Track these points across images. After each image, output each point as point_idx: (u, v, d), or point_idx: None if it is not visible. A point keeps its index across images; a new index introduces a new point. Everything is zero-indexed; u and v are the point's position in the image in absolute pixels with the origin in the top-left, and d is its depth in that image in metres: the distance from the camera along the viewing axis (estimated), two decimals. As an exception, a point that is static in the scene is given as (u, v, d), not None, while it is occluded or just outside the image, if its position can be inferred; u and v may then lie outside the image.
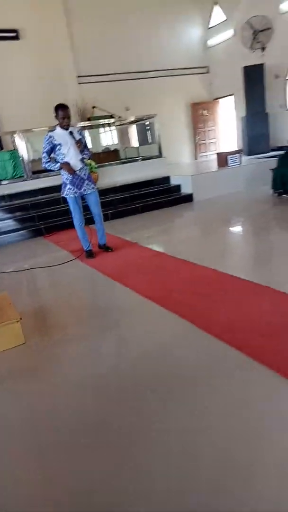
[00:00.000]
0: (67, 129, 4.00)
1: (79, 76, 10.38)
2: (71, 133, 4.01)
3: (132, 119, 9.65)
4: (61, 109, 3.91)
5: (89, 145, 4.41)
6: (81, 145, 4.06)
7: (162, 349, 2.35)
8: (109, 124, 9.90)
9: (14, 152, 7.87)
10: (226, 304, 2.77)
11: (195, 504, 1.32)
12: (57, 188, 6.72)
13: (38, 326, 2.95)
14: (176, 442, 1.61)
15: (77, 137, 4.05)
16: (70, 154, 4.02)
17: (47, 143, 4.01)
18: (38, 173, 7.54)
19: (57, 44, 9.98)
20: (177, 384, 1.98)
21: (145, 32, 10.83)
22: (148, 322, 2.75)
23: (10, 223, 6.14)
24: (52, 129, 4.15)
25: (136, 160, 8.45)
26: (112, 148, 10.04)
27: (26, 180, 7.18)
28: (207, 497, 1.34)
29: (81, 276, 3.96)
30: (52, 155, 4.09)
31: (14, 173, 7.78)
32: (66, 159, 4.03)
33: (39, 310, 3.22)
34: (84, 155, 4.14)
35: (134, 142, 10.23)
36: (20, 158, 7.38)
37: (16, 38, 9.58)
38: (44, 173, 7.63)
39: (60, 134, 3.99)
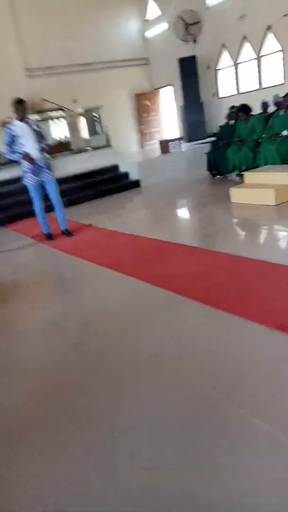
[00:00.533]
0: (24, 121, 4.43)
1: (27, 69, 10.62)
2: (29, 125, 4.46)
3: (80, 111, 10.10)
4: (20, 103, 4.37)
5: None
6: (39, 135, 4.50)
7: (113, 297, 3.04)
8: (58, 117, 10.30)
9: None
10: (163, 263, 3.49)
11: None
12: (17, 180, 7.19)
13: (8, 294, 3.50)
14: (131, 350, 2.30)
15: (35, 128, 4.51)
16: (29, 145, 4.45)
17: (8, 135, 4.42)
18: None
19: (3, 38, 10.14)
20: (127, 317, 2.67)
21: (88, 24, 11.21)
22: (101, 282, 3.42)
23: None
24: (9, 122, 4.58)
25: (86, 151, 8.98)
26: (63, 140, 10.45)
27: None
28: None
29: (43, 255, 4.55)
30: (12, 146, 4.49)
31: None
32: (25, 150, 4.44)
33: (9, 282, 3.77)
34: (41, 145, 4.57)
35: (84, 133, 10.68)
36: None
37: None
38: (2, 166, 7.99)
39: (19, 126, 4.41)
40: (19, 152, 4.49)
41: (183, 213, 5.62)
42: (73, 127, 10.91)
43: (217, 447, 1.46)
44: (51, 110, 10.25)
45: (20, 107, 4.40)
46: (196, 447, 1.48)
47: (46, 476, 1.49)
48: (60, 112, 10.28)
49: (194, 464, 1.41)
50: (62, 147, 9.48)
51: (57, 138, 10.12)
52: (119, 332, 2.47)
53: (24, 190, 6.70)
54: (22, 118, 4.45)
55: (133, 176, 7.80)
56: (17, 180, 7.14)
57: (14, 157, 4.54)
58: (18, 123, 4.46)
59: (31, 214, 6.24)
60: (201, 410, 1.67)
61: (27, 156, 4.46)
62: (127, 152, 11.67)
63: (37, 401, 1.96)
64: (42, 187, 4.77)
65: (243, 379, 1.80)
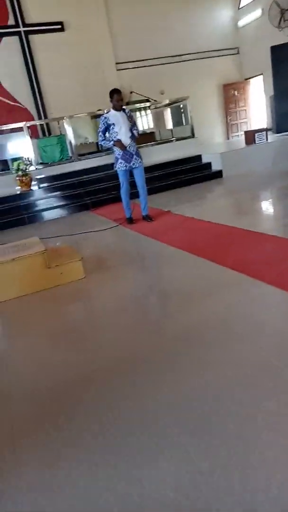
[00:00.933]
0: (120, 110, 4.81)
1: (117, 63, 11.15)
2: (123, 113, 4.82)
3: (166, 102, 10.33)
4: (116, 93, 4.75)
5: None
6: (132, 123, 4.86)
7: (189, 277, 3.19)
8: (145, 108, 10.64)
9: (61, 137, 8.84)
10: (238, 248, 3.54)
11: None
12: (101, 168, 7.72)
13: (94, 268, 3.85)
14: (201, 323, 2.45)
15: (128, 117, 4.85)
16: (122, 133, 4.81)
17: (103, 124, 4.82)
18: (82, 155, 8.53)
19: (98, 34, 10.78)
20: (201, 293, 2.81)
21: (179, 16, 11.37)
22: (178, 263, 3.58)
23: (60, 200, 7.12)
24: (107, 111, 4.97)
25: (170, 141, 9.18)
26: (148, 131, 10.78)
27: (73, 161, 8.14)
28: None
29: (124, 236, 4.86)
30: (106, 134, 4.90)
31: (61, 156, 8.76)
32: (118, 137, 4.82)
33: (93, 259, 4.12)
34: (134, 132, 4.90)
35: (169, 124, 10.91)
36: (68, 142, 8.32)
37: (61, 30, 10.47)
38: (88, 155, 8.61)
39: (114, 115, 4.80)
40: (112, 140, 4.85)
41: (264, 203, 5.53)
42: (159, 118, 11.21)
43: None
44: (139, 102, 10.63)
45: (116, 96, 4.75)
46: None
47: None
48: (147, 104, 10.60)
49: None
50: (147, 138, 9.81)
51: (143, 129, 10.48)
52: (190, 308, 2.62)
53: (108, 178, 7.26)
54: (117, 107, 4.80)
55: (216, 166, 7.81)
56: (103, 168, 7.69)
57: (108, 144, 4.91)
58: (113, 112, 4.83)
59: (113, 200, 6.73)
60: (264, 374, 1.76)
61: (119, 143, 4.80)
62: (212, 142, 11.64)
63: (108, 370, 2.21)
64: (130, 173, 5.09)
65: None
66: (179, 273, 3.33)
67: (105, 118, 4.83)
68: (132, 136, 4.91)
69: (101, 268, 3.77)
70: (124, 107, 4.92)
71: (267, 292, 2.61)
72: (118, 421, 1.64)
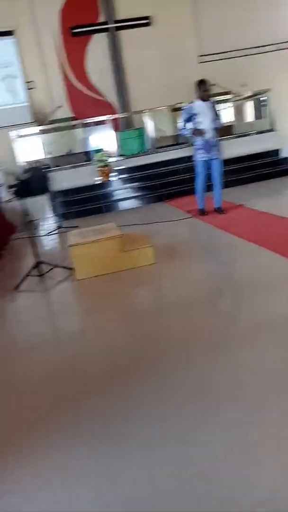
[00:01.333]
0: (206, 100, 4.99)
1: (199, 55, 11.23)
2: (208, 104, 4.99)
3: (247, 94, 10.19)
4: (203, 83, 4.95)
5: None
6: (215, 115, 5.02)
7: (258, 269, 3.34)
8: (225, 100, 10.61)
9: (140, 130, 9.24)
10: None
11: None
12: (177, 161, 7.97)
13: (164, 255, 4.13)
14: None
15: (213, 108, 5.02)
16: (205, 123, 4.98)
17: (187, 113, 5.03)
18: (160, 148, 8.85)
19: (183, 28, 10.94)
20: (269, 284, 2.96)
21: (265, 6, 11.07)
22: (248, 255, 3.74)
23: (136, 190, 7.53)
24: (192, 101, 5.11)
25: (248, 134, 9.10)
26: (227, 124, 10.73)
27: (150, 154, 8.51)
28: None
29: (196, 227, 5.09)
30: (187, 125, 5.06)
31: (140, 149, 9.16)
32: (201, 127, 4.98)
33: (165, 247, 4.41)
34: (216, 123, 5.06)
35: (248, 117, 10.75)
36: (147, 135, 8.69)
37: (147, 24, 10.83)
38: (166, 148, 8.90)
39: (199, 105, 4.98)
40: (191, 128, 5.01)
41: None
42: (239, 111, 11.08)
43: None
44: (220, 94, 10.61)
45: (202, 87, 4.94)
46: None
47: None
48: (228, 96, 10.54)
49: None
50: (225, 131, 9.79)
51: (222, 122, 10.46)
52: (257, 298, 2.80)
53: (183, 170, 7.49)
54: (203, 98, 4.97)
55: (295, 161, 7.63)
56: (179, 160, 7.92)
57: (186, 133, 5.12)
58: (198, 102, 5.01)
59: (187, 192, 6.95)
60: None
61: (198, 131, 4.96)
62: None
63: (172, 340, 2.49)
64: (208, 164, 5.24)
65: None
66: (248, 264, 3.50)
67: (190, 107, 5.01)
68: (215, 128, 5.05)
69: (171, 256, 4.05)
70: (210, 99, 5.08)
71: None
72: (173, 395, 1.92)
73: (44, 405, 1.91)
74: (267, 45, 11.34)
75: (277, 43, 11.35)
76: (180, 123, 5.18)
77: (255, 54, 11.27)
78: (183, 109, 5.16)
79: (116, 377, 2.04)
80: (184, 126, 5.12)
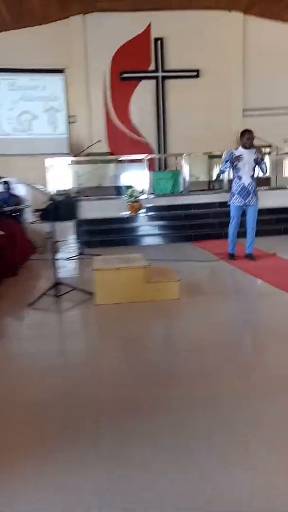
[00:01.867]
0: (248, 148, 5.11)
1: (244, 109, 11.64)
2: (249, 153, 5.10)
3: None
4: (248, 133, 5.15)
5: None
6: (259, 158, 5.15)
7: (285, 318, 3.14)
8: (266, 153, 10.79)
9: (176, 173, 9.42)
10: None
11: None
12: (209, 205, 7.99)
13: (189, 292, 3.98)
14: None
15: (254, 156, 5.12)
16: (244, 170, 5.13)
17: (229, 156, 5.18)
18: (193, 191, 8.95)
19: (231, 81, 11.45)
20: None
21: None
22: (277, 302, 3.54)
23: (164, 228, 7.53)
24: (236, 148, 5.32)
25: (286, 188, 9.12)
26: (265, 176, 10.85)
27: (183, 195, 8.58)
28: None
29: (224, 270, 4.95)
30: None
31: (172, 190, 9.28)
32: (239, 173, 5.14)
33: (190, 285, 4.27)
34: (262, 166, 5.21)
35: (286, 172, 10.85)
36: (182, 178, 8.85)
37: (196, 76, 11.40)
38: (198, 191, 8.99)
39: (240, 152, 5.12)
40: (231, 159, 5.13)
41: None
42: (278, 165, 11.22)
43: None
44: (260, 147, 10.81)
45: (247, 135, 5.13)
46: None
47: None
48: (267, 149, 10.72)
49: None
50: (261, 182, 9.87)
51: (266, 168, 10.60)
52: (277, 347, 2.60)
53: (214, 215, 7.48)
54: (245, 145, 5.11)
55: None
56: (211, 205, 7.95)
57: (226, 167, 5.26)
58: (241, 149, 5.16)
59: (216, 237, 6.90)
60: None
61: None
62: None
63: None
64: (243, 210, 5.30)
65: None
66: (276, 312, 3.29)
67: (232, 153, 5.19)
68: (253, 176, 5.18)
69: (196, 294, 3.90)
70: (252, 147, 5.17)
71: None
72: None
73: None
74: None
75: None
76: (223, 162, 5.26)
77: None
78: (226, 152, 5.28)
79: (108, 407, 1.85)
80: (225, 166, 5.26)
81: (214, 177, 10.26)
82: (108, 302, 3.61)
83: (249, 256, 5.30)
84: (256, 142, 10.07)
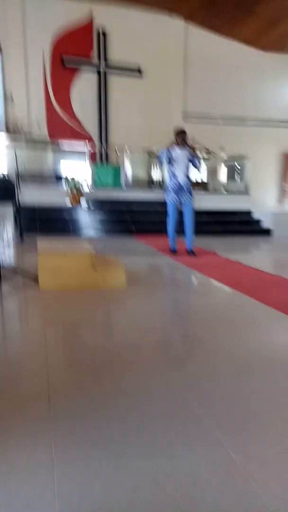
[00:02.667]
0: (182, 147, 5.25)
1: (183, 112, 12.00)
2: (184, 152, 5.26)
3: (225, 157, 10.91)
4: (182, 132, 5.27)
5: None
6: (192, 155, 5.30)
7: (224, 306, 3.31)
8: (203, 158, 11.23)
9: (117, 168, 9.44)
10: (279, 293, 3.64)
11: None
12: (150, 202, 8.12)
13: (133, 282, 4.01)
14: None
15: (188, 155, 5.28)
16: (179, 169, 5.29)
17: (164, 153, 5.27)
18: (134, 187, 9.05)
19: (171, 84, 11.76)
20: (235, 321, 2.91)
21: (251, 84, 12.28)
22: (216, 293, 3.71)
23: (106, 222, 7.50)
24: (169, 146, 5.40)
25: (222, 193, 9.59)
26: (200, 180, 11.30)
27: (125, 190, 8.63)
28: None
29: (166, 264, 5.04)
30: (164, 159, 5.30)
31: (113, 184, 9.30)
32: (174, 171, 5.30)
33: (134, 276, 4.30)
34: (196, 162, 5.32)
35: (222, 177, 11.41)
36: (123, 173, 8.90)
37: (138, 75, 11.51)
38: (139, 188, 9.11)
39: (175, 150, 5.26)
40: (170, 172, 5.32)
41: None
42: (214, 171, 11.76)
43: None
44: (198, 150, 11.23)
45: (181, 136, 5.24)
46: None
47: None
48: (205, 155, 11.18)
49: None
50: (199, 186, 10.28)
51: (197, 178, 11.02)
52: (216, 333, 2.73)
53: (155, 212, 7.64)
54: (181, 145, 5.24)
55: (266, 224, 8.05)
56: (151, 202, 8.10)
57: (163, 158, 5.30)
58: (176, 148, 5.28)
59: (157, 232, 7.05)
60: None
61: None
62: (263, 204, 12.00)
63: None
64: (179, 208, 5.45)
65: None
66: (215, 301, 3.45)
67: (168, 152, 5.28)
68: (188, 175, 5.35)
69: (140, 285, 3.92)
70: (187, 147, 5.31)
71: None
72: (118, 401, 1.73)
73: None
74: (249, 120, 12.40)
75: (258, 120, 12.46)
76: (159, 154, 5.36)
77: (236, 124, 12.25)
78: (162, 149, 5.40)
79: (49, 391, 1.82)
80: (161, 159, 5.36)
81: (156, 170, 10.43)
82: (52, 287, 3.51)
83: (190, 252, 5.48)
84: (194, 145, 10.48)
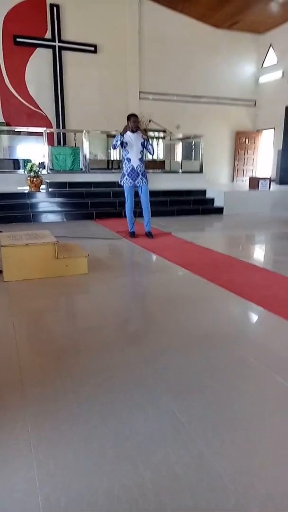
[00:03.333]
0: (134, 132, 5.40)
1: (140, 92, 12.00)
2: (137, 136, 5.42)
3: (181, 136, 11.12)
4: (134, 116, 5.42)
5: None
6: (143, 147, 5.45)
7: (180, 288, 3.62)
8: (160, 138, 11.41)
9: (75, 149, 9.40)
10: (231, 272, 4.00)
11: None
12: (109, 184, 8.25)
13: (95, 268, 4.23)
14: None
15: (141, 140, 5.43)
16: (132, 152, 5.45)
17: (117, 139, 5.40)
18: (92, 169, 9.11)
19: (127, 62, 11.67)
20: (188, 300, 3.23)
21: (204, 61, 12.39)
22: (172, 275, 4.02)
23: (66, 205, 7.58)
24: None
25: (178, 172, 9.84)
26: (158, 159, 11.50)
27: (83, 173, 8.68)
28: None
29: (125, 247, 5.29)
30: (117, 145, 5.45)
31: (72, 167, 9.29)
32: (128, 155, 5.46)
33: (96, 261, 4.52)
34: (149, 147, 5.45)
35: (179, 157, 11.65)
36: (83, 155, 8.90)
37: (94, 52, 11.32)
38: (97, 170, 9.19)
39: (128, 135, 5.41)
40: (125, 156, 5.50)
41: (258, 242, 6.09)
42: (170, 150, 11.96)
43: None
44: (155, 131, 11.39)
45: (132, 119, 5.40)
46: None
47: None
48: (162, 134, 11.38)
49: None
50: (157, 165, 10.48)
51: (154, 157, 11.19)
52: (175, 310, 3.04)
53: (114, 194, 7.81)
54: (133, 130, 5.40)
55: (218, 203, 8.43)
56: (110, 184, 8.23)
57: (117, 141, 5.41)
58: (129, 133, 5.43)
59: (117, 215, 7.25)
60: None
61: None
62: (217, 182, 12.40)
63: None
64: (135, 191, 5.66)
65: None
66: (170, 282, 3.77)
67: (121, 136, 5.42)
68: (141, 158, 5.53)
69: (102, 270, 4.15)
70: (139, 131, 5.47)
71: (250, 308, 3.05)
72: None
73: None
74: (203, 97, 12.59)
75: (212, 97, 12.68)
76: (116, 139, 5.45)
77: (191, 102, 12.41)
78: (116, 135, 5.52)
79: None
80: (115, 144, 5.49)
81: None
82: (18, 278, 3.67)
83: (148, 234, 5.74)
84: (152, 126, 10.61)
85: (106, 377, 2.01)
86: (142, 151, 5.53)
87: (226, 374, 2.05)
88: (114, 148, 5.69)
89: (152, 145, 5.61)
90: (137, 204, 5.70)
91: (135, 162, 5.50)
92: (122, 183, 5.66)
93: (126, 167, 5.56)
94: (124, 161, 5.60)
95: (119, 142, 5.43)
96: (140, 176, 5.56)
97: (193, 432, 1.59)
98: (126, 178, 5.58)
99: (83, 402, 1.79)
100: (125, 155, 5.53)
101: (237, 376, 2.03)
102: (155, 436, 1.58)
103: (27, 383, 1.96)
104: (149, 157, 11.08)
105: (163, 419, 1.68)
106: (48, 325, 2.80)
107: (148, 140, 5.55)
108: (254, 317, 3.02)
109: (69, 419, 1.68)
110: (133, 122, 5.40)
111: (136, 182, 5.57)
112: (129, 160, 5.51)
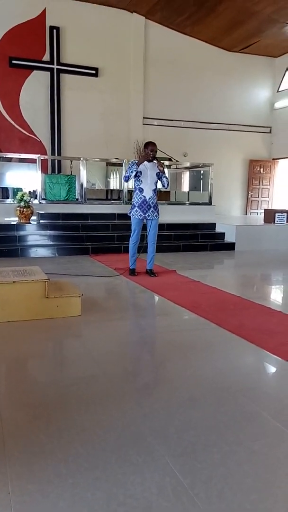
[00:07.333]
0: (150, 161, 5.56)
1: (144, 117, 12.49)
2: (153, 165, 5.57)
3: (188, 164, 11.45)
4: (152, 145, 5.56)
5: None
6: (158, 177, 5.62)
7: (183, 332, 3.64)
8: (165, 166, 11.73)
9: (71, 177, 9.68)
10: (242, 316, 4.03)
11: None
12: (108, 216, 8.42)
13: (89, 309, 4.26)
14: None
15: (157, 170, 5.58)
16: (146, 183, 5.58)
17: (131, 168, 5.53)
18: (89, 199, 9.34)
19: (130, 86, 12.22)
20: (194, 347, 3.25)
21: (215, 85, 12.96)
22: (176, 318, 4.05)
23: (59, 239, 7.72)
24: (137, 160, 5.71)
25: (184, 204, 10.07)
26: (163, 190, 11.77)
27: (80, 204, 8.90)
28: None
29: (124, 286, 5.35)
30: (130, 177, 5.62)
31: (67, 197, 9.52)
32: (141, 185, 5.58)
33: (90, 301, 4.56)
34: (163, 180, 5.64)
35: (186, 187, 11.95)
36: (79, 184, 9.16)
37: (95, 75, 11.90)
38: (94, 201, 9.42)
39: (144, 164, 5.54)
40: (137, 186, 5.65)
41: (274, 282, 6.14)
42: (177, 179, 12.29)
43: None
44: (161, 159, 11.72)
45: (150, 147, 5.54)
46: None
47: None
48: (168, 162, 11.71)
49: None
50: (161, 196, 10.71)
51: (167, 182, 11.50)
52: (177, 360, 3.06)
53: (114, 227, 7.97)
54: (149, 159, 5.57)
55: (229, 238, 8.56)
56: (110, 216, 8.41)
57: (131, 172, 5.53)
58: (145, 162, 5.57)
59: (115, 250, 7.37)
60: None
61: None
62: (229, 214, 12.63)
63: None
64: (144, 224, 5.78)
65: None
66: (173, 327, 3.79)
67: (136, 166, 5.53)
68: (155, 190, 5.67)
69: (96, 312, 4.19)
70: (155, 161, 5.64)
71: (264, 357, 3.06)
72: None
73: None
74: (212, 123, 13.07)
75: (223, 123, 13.16)
76: (125, 174, 5.66)
77: (200, 128, 12.88)
78: (130, 162, 5.72)
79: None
80: (127, 178, 5.68)
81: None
82: (1, 320, 3.70)
83: (150, 272, 5.80)
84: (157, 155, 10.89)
85: (98, 434, 2.01)
86: (156, 182, 5.66)
87: (235, 432, 2.04)
88: (127, 180, 5.84)
89: (167, 177, 5.78)
90: (142, 238, 5.80)
91: (148, 193, 5.61)
92: (131, 214, 5.75)
93: (137, 198, 5.66)
94: (135, 191, 5.72)
95: (133, 174, 5.52)
96: (152, 208, 5.67)
97: (196, 498, 1.58)
98: (136, 210, 5.67)
99: (71, 462, 1.79)
100: (138, 185, 5.62)
101: (248, 435, 2.02)
102: (153, 501, 1.57)
103: (9, 439, 1.96)
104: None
105: (162, 482, 1.67)
106: (34, 374, 2.82)
107: (164, 172, 5.73)
108: (268, 368, 3.03)
109: (55, 481, 1.67)
110: (151, 151, 5.51)
111: (146, 215, 5.66)
112: (141, 190, 5.62)
